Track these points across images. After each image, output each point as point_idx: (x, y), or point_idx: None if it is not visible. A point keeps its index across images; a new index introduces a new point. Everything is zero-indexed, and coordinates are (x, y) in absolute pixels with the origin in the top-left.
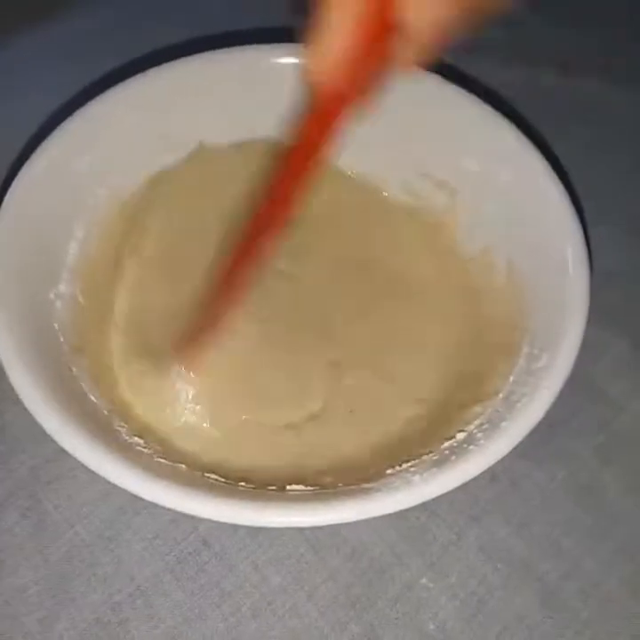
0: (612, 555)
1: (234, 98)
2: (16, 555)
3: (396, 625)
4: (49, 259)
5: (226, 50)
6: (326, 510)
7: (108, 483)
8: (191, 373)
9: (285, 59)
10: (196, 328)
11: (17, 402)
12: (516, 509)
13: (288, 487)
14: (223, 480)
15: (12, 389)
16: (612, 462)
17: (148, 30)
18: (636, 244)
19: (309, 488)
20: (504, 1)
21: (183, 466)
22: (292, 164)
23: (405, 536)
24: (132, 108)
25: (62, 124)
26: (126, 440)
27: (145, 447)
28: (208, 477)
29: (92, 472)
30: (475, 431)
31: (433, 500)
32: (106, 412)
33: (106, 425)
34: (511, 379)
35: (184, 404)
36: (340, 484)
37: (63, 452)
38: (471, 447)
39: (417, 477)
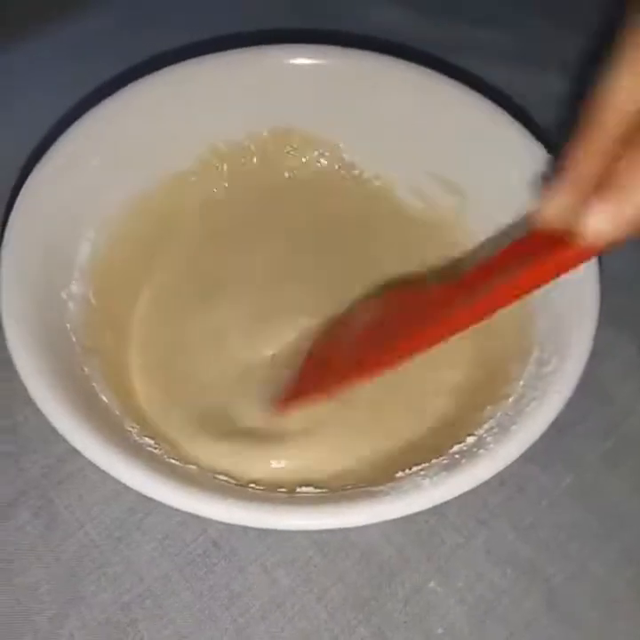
0: (619, 557)
1: (244, 98)
2: (27, 553)
3: (404, 628)
4: (61, 259)
5: (235, 51)
6: (337, 514)
7: (119, 483)
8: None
9: (296, 59)
10: (302, 388)
11: (28, 402)
12: (524, 513)
13: (298, 489)
14: (234, 482)
15: (24, 389)
16: (620, 466)
17: (157, 32)
18: None
19: (319, 491)
20: None
21: (194, 467)
22: (480, 303)
23: (414, 539)
24: (143, 109)
25: (74, 125)
26: (137, 441)
27: (156, 448)
28: (218, 479)
29: (103, 472)
30: (485, 435)
31: (441, 503)
32: (117, 413)
33: (117, 425)
34: (521, 383)
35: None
36: (349, 487)
37: (74, 451)
38: (481, 451)
39: (427, 481)
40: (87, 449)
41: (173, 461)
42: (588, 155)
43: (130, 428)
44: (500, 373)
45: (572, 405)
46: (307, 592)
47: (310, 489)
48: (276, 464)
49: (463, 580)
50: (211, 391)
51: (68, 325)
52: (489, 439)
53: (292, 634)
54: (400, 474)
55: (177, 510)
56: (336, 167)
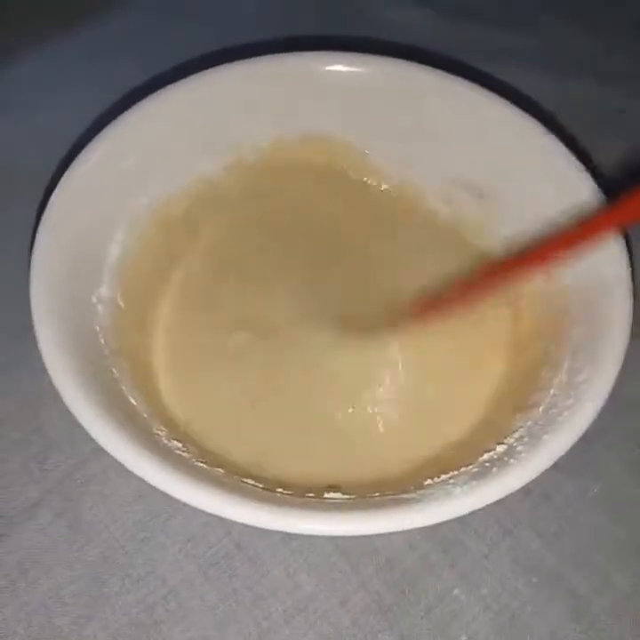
0: None
1: (272, 105)
2: (50, 555)
3: (427, 635)
4: (91, 262)
5: (263, 57)
6: (365, 520)
7: (143, 485)
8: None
9: (326, 66)
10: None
11: (54, 403)
12: (549, 522)
13: (326, 495)
14: (261, 486)
15: (49, 391)
16: None
17: (186, 39)
18: None
19: (347, 496)
20: None
21: (221, 470)
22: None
23: (438, 547)
24: (172, 114)
25: (104, 130)
26: (166, 444)
27: (184, 451)
28: (246, 482)
29: (127, 473)
30: (515, 444)
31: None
32: (145, 416)
33: (145, 428)
34: (552, 391)
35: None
36: (377, 494)
37: (99, 453)
38: (511, 460)
39: (457, 489)
40: (118, 451)
41: (201, 464)
42: None
43: (158, 431)
44: (531, 382)
45: (600, 414)
46: (330, 597)
47: (338, 495)
48: (304, 469)
49: (487, 588)
50: (237, 394)
51: (97, 328)
52: (520, 448)
53: (314, 639)
54: (429, 481)
55: (200, 513)
56: (363, 174)
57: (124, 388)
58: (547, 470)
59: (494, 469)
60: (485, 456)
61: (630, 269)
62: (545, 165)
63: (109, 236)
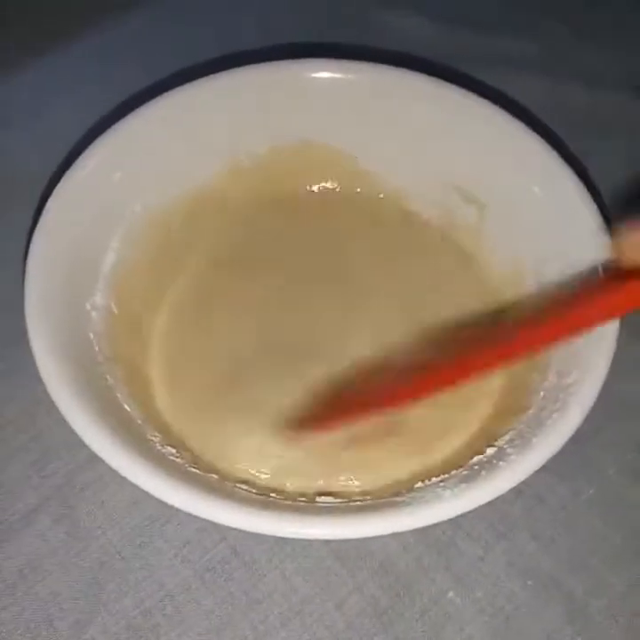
0: None
1: (266, 113)
2: (49, 560)
3: (422, 638)
4: (86, 270)
5: (259, 65)
6: (356, 524)
7: (140, 490)
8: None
9: (318, 73)
10: (329, 413)
11: (51, 410)
12: (544, 525)
13: (318, 499)
14: (254, 491)
15: (47, 398)
16: None
17: (185, 46)
18: None
19: (339, 500)
20: None
21: (215, 476)
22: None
23: (432, 549)
24: (166, 123)
25: (99, 138)
26: (160, 450)
27: (177, 457)
28: (239, 488)
29: (123, 479)
30: (505, 447)
31: (460, 514)
32: (139, 422)
33: (140, 434)
34: (541, 394)
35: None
36: (368, 498)
37: (96, 459)
38: (501, 463)
39: (447, 492)
40: (112, 458)
41: (195, 470)
42: None
43: (152, 438)
44: (521, 385)
45: (592, 416)
46: (325, 601)
47: (330, 499)
48: (296, 475)
49: (482, 591)
50: (231, 400)
51: (91, 335)
52: (509, 451)
53: None
54: (420, 484)
55: (196, 518)
56: (356, 181)
57: (118, 394)
58: (541, 473)
59: (483, 472)
60: (475, 459)
61: None
62: (536, 170)
63: (105, 244)
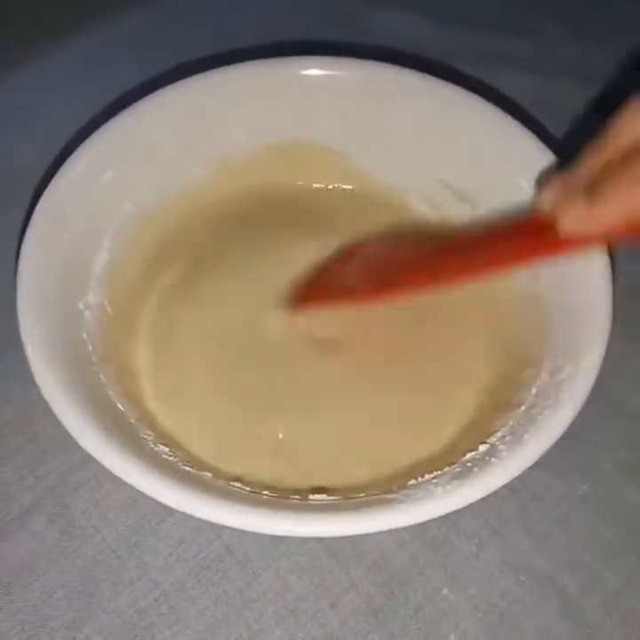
0: (634, 567)
1: (259, 111)
2: (44, 559)
3: (417, 635)
4: (78, 270)
5: (250, 62)
6: (349, 521)
7: (134, 490)
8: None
9: (309, 71)
10: (325, 288)
11: (46, 410)
12: (538, 522)
13: (311, 497)
14: (248, 489)
15: (42, 398)
16: (635, 475)
17: (168, 48)
18: None
19: (332, 498)
20: None
21: (209, 474)
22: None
23: (427, 546)
24: (157, 121)
25: (90, 138)
26: (153, 448)
27: (171, 455)
28: (232, 486)
29: (118, 479)
30: (497, 443)
31: (454, 511)
32: (133, 421)
33: (133, 433)
34: (533, 391)
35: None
36: (362, 495)
37: (91, 459)
38: (493, 460)
39: (439, 489)
40: (105, 458)
41: (188, 468)
42: (589, 161)
43: (145, 436)
44: (513, 382)
45: (587, 413)
46: (320, 598)
47: (323, 496)
48: (290, 470)
49: (476, 588)
50: (222, 397)
51: (84, 335)
52: (501, 447)
53: None
54: (413, 482)
55: (191, 517)
56: (348, 178)
57: (111, 393)
58: (535, 469)
59: (476, 469)
60: (468, 456)
61: (610, 267)
62: (528, 167)
63: (96, 244)
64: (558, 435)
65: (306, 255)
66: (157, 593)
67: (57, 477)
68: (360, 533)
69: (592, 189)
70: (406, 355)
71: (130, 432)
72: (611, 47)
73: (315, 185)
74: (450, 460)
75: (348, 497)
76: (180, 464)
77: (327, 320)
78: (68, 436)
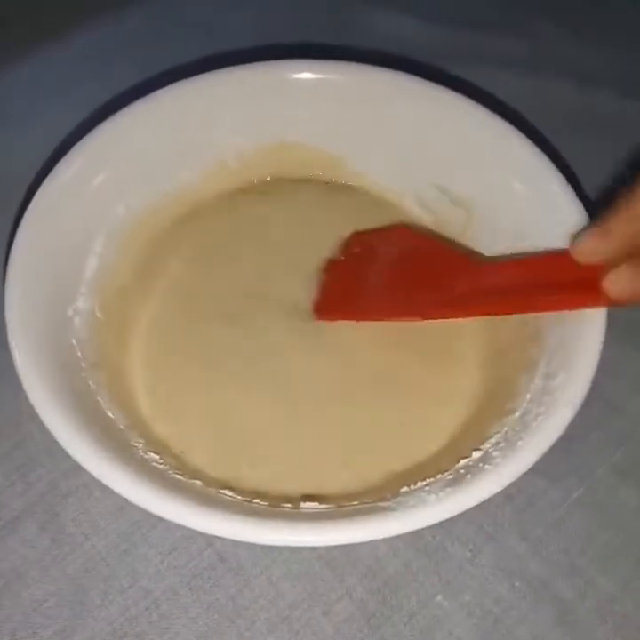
0: (630, 572)
1: (251, 113)
2: (34, 567)
3: None
4: (68, 275)
5: (242, 66)
6: (341, 530)
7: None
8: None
9: (301, 74)
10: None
11: (35, 417)
12: (532, 527)
13: (302, 505)
14: (239, 497)
15: (31, 405)
16: (630, 479)
17: (166, 47)
18: None
19: (324, 506)
20: None
21: (199, 482)
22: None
23: (421, 553)
24: (150, 124)
25: (81, 142)
26: (142, 456)
27: (161, 463)
28: (223, 494)
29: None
30: (491, 450)
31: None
32: (122, 428)
33: (122, 440)
34: (528, 397)
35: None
36: (355, 503)
37: (80, 466)
38: (487, 466)
39: (433, 497)
40: (91, 466)
41: (178, 476)
42: (622, 215)
43: (135, 444)
44: (507, 387)
45: (581, 418)
46: (313, 606)
47: (315, 504)
48: (280, 478)
49: (471, 594)
50: (216, 406)
51: (73, 341)
52: (495, 454)
53: None
54: (405, 489)
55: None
56: (342, 181)
57: (100, 400)
58: (530, 474)
59: (469, 476)
60: (462, 462)
61: None
62: (522, 170)
63: (87, 248)
64: (552, 441)
65: (304, 258)
66: (148, 601)
67: (47, 484)
68: (352, 542)
69: (635, 260)
70: (400, 359)
71: (119, 440)
72: (610, 48)
73: (308, 188)
74: (443, 466)
75: (341, 505)
76: (170, 472)
77: (323, 325)
78: (57, 442)
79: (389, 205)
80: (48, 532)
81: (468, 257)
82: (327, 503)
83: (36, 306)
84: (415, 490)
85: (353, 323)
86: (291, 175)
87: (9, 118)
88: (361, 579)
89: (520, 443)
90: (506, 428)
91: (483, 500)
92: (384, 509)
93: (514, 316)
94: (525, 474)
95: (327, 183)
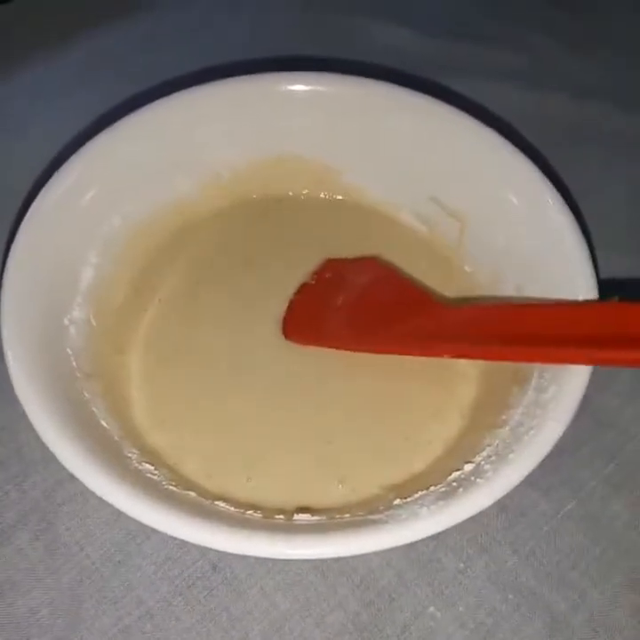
0: (622, 585)
1: (246, 125)
2: (28, 576)
3: None
4: (64, 285)
5: (237, 77)
6: (333, 543)
7: None
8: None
9: (297, 86)
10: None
11: (30, 426)
12: (525, 539)
13: (296, 516)
14: (233, 508)
15: (26, 414)
16: (622, 491)
17: (176, 54)
18: None
19: (317, 518)
20: None
21: (193, 493)
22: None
23: (414, 564)
24: (144, 136)
25: (79, 151)
26: (137, 467)
27: (155, 474)
28: (217, 505)
29: None
30: (482, 463)
31: None
32: (117, 438)
33: (117, 451)
34: (519, 410)
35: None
36: (347, 515)
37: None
38: (479, 480)
39: (425, 510)
40: (85, 477)
41: (172, 488)
42: None
43: (129, 454)
44: (501, 399)
45: (573, 430)
46: (306, 616)
47: (308, 516)
48: (274, 490)
49: (463, 606)
50: (212, 417)
51: (68, 351)
52: (487, 467)
53: None
54: (398, 502)
55: None
56: (338, 193)
57: (95, 410)
58: (522, 487)
59: (461, 489)
60: (453, 475)
61: (596, 283)
62: (518, 184)
63: (83, 258)
64: (544, 455)
65: (298, 269)
66: (142, 611)
67: (42, 492)
68: (344, 555)
69: None
70: (396, 372)
71: (113, 450)
72: (609, 62)
73: (304, 200)
74: (435, 479)
75: (333, 517)
76: (163, 483)
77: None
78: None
79: (385, 219)
80: (42, 541)
81: (432, 297)
82: (320, 515)
83: (31, 315)
84: (407, 503)
85: None
86: (285, 188)
87: (9, 125)
88: (354, 590)
89: (511, 456)
90: (497, 441)
91: (475, 512)
92: (376, 522)
93: None
94: (518, 486)
95: (323, 197)
